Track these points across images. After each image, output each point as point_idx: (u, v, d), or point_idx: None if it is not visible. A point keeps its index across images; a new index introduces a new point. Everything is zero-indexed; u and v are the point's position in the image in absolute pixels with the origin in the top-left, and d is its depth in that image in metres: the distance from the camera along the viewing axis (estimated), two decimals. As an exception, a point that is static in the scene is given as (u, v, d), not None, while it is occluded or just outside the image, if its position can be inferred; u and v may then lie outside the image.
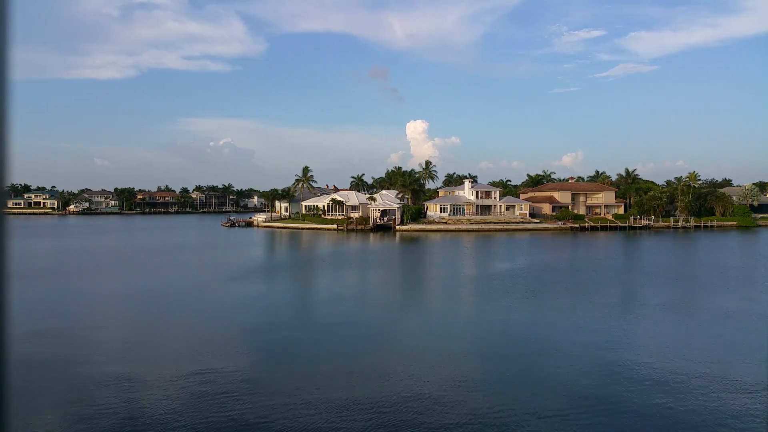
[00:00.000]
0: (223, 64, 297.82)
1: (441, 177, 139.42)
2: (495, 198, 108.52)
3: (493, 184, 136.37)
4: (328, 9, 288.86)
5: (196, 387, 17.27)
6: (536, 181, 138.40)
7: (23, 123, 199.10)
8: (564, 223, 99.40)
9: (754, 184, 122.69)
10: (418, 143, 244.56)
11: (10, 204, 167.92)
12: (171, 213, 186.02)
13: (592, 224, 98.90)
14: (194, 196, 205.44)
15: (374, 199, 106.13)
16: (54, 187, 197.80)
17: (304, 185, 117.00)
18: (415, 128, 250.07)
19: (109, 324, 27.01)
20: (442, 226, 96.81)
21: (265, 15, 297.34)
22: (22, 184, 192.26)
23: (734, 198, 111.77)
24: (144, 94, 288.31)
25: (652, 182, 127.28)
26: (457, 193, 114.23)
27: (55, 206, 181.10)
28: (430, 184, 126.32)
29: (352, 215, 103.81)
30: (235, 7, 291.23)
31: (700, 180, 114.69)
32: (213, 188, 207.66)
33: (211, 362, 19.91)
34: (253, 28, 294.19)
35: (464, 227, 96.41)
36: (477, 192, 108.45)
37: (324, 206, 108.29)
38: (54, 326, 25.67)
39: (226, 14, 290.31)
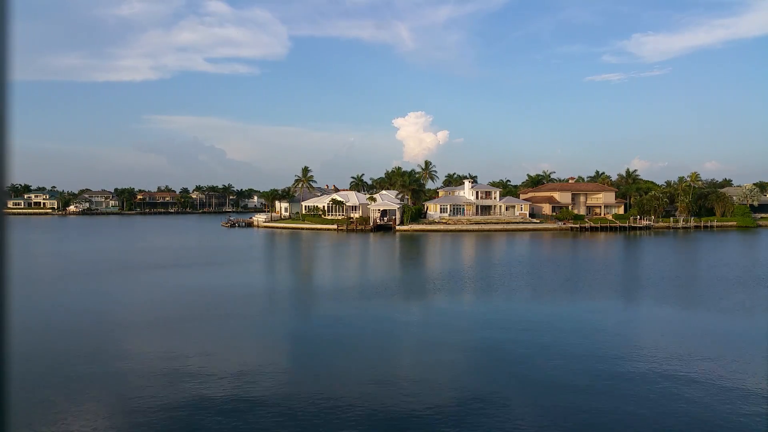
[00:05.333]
0: (236, 66, 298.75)
1: (441, 177, 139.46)
2: (495, 198, 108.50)
3: (493, 184, 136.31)
4: (342, 14, 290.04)
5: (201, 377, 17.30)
6: (536, 181, 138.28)
7: (24, 123, 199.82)
8: (564, 224, 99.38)
9: (754, 184, 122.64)
10: (418, 141, 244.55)
11: (10, 204, 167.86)
12: (171, 213, 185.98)
13: (592, 224, 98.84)
14: (194, 196, 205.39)
15: (374, 199, 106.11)
16: (54, 187, 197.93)
17: (304, 185, 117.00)
18: (416, 125, 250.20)
19: (140, 324, 27.00)
20: (442, 227, 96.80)
21: (275, 18, 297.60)
22: (22, 184, 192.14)
23: (734, 198, 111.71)
24: (156, 96, 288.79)
25: (652, 182, 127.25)
26: (457, 193, 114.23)
27: (55, 206, 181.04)
28: (430, 185, 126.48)
29: (352, 215, 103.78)
30: (248, 11, 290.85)
31: (700, 180, 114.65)
32: (213, 188, 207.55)
33: (225, 362, 19.93)
34: (271, 32, 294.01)
35: (464, 227, 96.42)
36: (477, 192, 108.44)
37: (324, 206, 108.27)
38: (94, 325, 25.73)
39: (245, 17, 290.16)
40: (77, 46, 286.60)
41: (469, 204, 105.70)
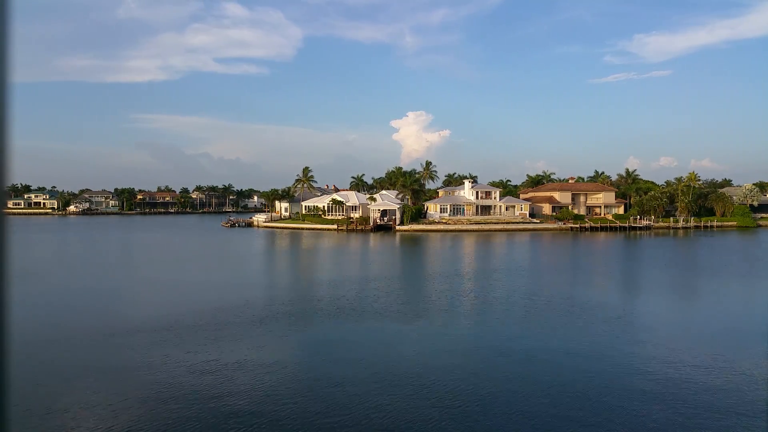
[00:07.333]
0: (244, 66, 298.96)
1: (441, 177, 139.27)
2: (495, 198, 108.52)
3: (493, 184, 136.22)
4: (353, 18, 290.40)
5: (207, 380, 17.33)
6: (536, 181, 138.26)
7: (25, 123, 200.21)
8: (564, 224, 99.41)
9: (754, 184, 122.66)
10: (418, 141, 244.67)
11: (10, 204, 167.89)
12: (171, 213, 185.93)
13: (592, 224, 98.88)
14: (194, 196, 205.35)
15: (374, 200, 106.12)
16: (54, 187, 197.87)
17: (305, 185, 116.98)
18: (416, 124, 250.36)
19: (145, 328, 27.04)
20: (442, 227, 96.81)
21: (288, 19, 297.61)
22: (22, 184, 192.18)
23: (734, 198, 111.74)
24: (160, 96, 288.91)
25: (652, 182, 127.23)
26: (457, 193, 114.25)
27: (56, 206, 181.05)
28: (430, 185, 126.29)
29: (352, 215, 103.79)
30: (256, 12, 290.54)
31: (700, 180, 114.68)
32: (213, 188, 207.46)
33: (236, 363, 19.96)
34: (282, 33, 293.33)
35: (464, 227, 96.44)
36: (477, 192, 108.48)
37: (324, 206, 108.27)
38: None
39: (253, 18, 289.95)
40: (90, 48, 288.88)
41: (469, 204, 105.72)
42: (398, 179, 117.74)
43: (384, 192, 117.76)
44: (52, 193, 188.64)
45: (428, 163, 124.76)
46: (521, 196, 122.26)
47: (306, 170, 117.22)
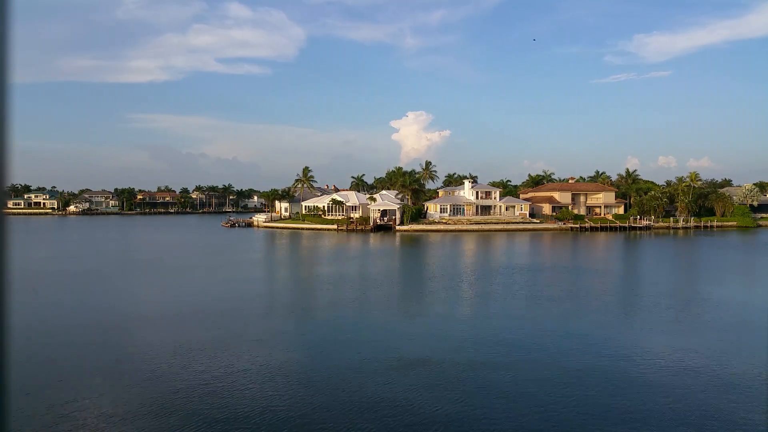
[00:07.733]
0: (246, 66, 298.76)
1: (441, 177, 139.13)
2: (495, 198, 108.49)
3: (493, 184, 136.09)
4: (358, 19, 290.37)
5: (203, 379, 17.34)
6: (536, 181, 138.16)
7: (25, 123, 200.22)
8: (564, 224, 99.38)
9: (754, 184, 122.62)
10: (418, 141, 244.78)
11: (10, 204, 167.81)
12: (171, 213, 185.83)
13: (593, 224, 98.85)
14: (194, 196, 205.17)
15: (374, 200, 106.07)
16: (54, 187, 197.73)
17: (305, 185, 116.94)
18: (416, 124, 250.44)
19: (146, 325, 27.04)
20: (442, 227, 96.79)
21: (291, 19, 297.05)
22: (22, 184, 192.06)
23: (734, 198, 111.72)
24: (161, 96, 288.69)
25: (652, 182, 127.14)
26: (457, 193, 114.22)
27: (55, 206, 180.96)
28: (430, 185, 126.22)
29: (352, 215, 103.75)
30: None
31: (700, 180, 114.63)
32: (213, 188, 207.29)
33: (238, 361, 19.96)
34: (285, 34, 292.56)
35: (464, 227, 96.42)
36: (477, 192, 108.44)
37: (324, 206, 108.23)
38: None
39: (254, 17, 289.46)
40: (91, 48, 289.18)
41: (469, 204, 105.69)
42: (398, 179, 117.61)
43: (384, 192, 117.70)
44: (52, 193, 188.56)
45: (428, 163, 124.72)
46: (521, 196, 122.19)
47: (306, 170, 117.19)
